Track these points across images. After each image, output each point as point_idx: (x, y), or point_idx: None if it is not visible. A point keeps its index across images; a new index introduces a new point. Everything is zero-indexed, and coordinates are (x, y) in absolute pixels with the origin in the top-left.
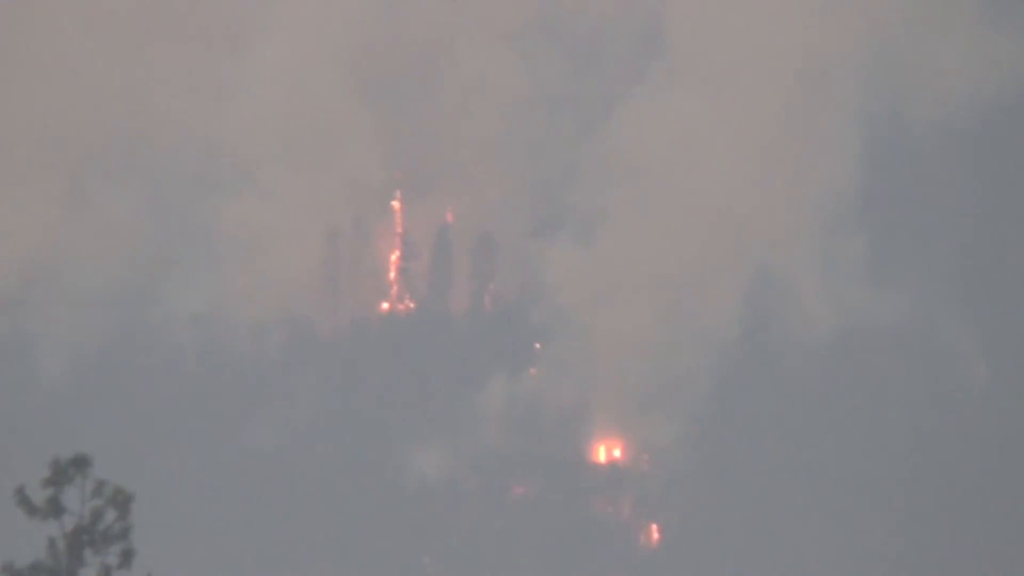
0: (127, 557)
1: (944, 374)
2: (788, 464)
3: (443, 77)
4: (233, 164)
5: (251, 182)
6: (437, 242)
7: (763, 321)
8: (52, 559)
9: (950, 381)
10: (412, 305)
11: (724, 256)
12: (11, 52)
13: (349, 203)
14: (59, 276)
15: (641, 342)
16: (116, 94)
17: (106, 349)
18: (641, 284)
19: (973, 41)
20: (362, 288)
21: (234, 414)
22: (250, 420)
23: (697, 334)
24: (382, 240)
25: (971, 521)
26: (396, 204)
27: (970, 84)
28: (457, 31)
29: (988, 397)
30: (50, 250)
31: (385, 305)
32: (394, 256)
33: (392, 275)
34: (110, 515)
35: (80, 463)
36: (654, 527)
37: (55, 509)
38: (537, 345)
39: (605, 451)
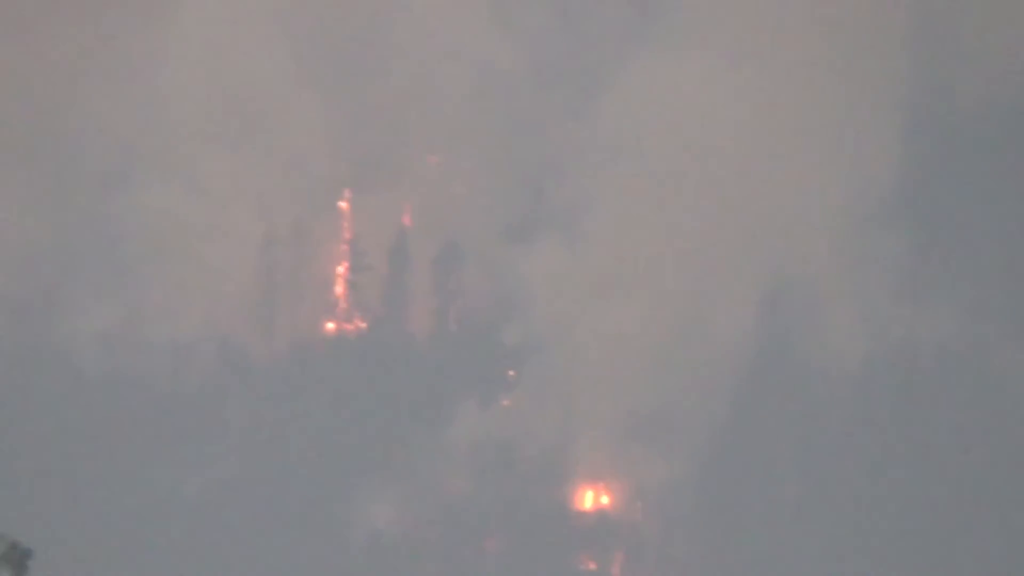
0: None
1: (999, 404)
2: (811, 513)
3: (402, 49)
4: (148, 156)
5: (170, 177)
6: (393, 250)
7: (782, 340)
8: None
9: (1007, 412)
10: (363, 325)
11: (736, 262)
12: None
13: (288, 203)
14: None
15: (635, 367)
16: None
17: None
18: (636, 298)
19: None
20: (304, 304)
21: (148, 454)
22: (167, 461)
23: (702, 357)
24: (327, 247)
25: None
26: (344, 204)
27: None
28: None
29: None
30: None
31: (331, 325)
32: (342, 267)
33: (339, 289)
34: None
35: None
36: None
37: None
38: (511, 372)
39: (591, 497)
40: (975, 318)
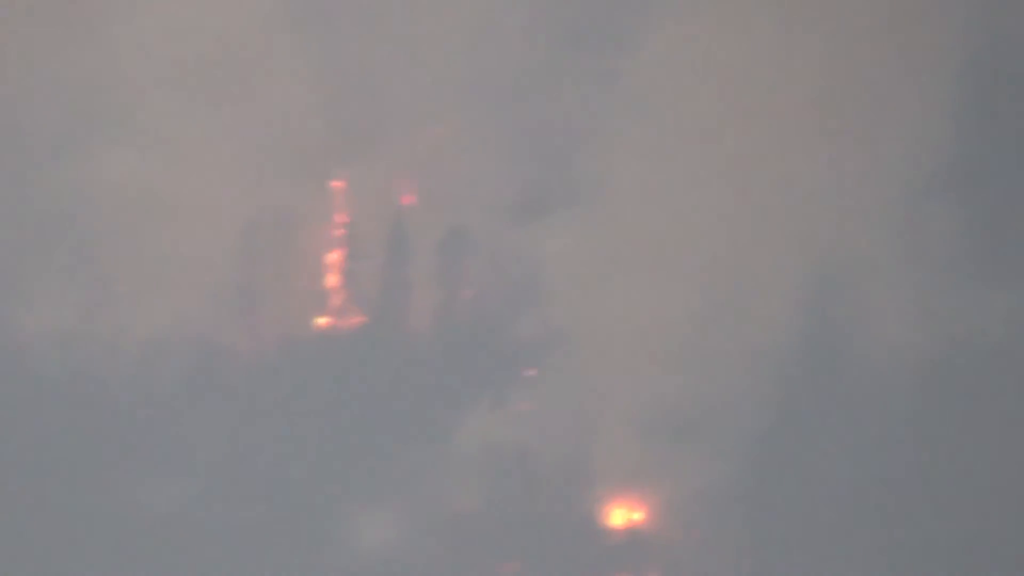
0: None
1: None
2: (866, 525)
3: (401, 3)
4: (107, 119)
5: (134, 145)
6: (392, 234)
7: (829, 332)
8: None
9: None
10: (359, 320)
11: (777, 242)
12: None
13: (272, 180)
14: None
15: (668, 362)
16: None
17: None
18: (668, 282)
19: None
20: (290, 297)
21: (113, 469)
22: (134, 477)
23: (741, 353)
24: (318, 232)
25: None
26: (337, 183)
27: None
28: None
29: None
30: None
31: (322, 320)
32: (334, 254)
33: (332, 279)
34: None
35: None
36: None
37: None
38: (528, 371)
39: (622, 512)
40: None
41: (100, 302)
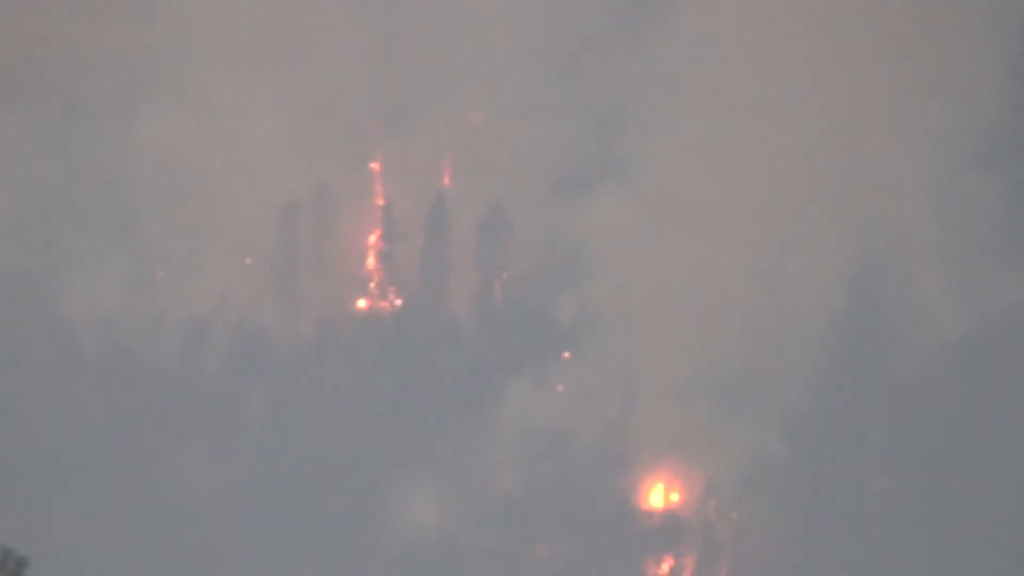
0: None
1: None
2: (907, 507)
3: None
4: (157, 90)
5: (181, 115)
6: (431, 215)
7: (871, 310)
8: None
9: None
10: (398, 302)
11: (819, 217)
12: None
13: (312, 163)
14: None
15: (706, 345)
16: None
17: None
18: (707, 264)
19: None
20: (331, 279)
21: (157, 449)
22: (178, 458)
23: (782, 334)
24: (357, 214)
25: None
26: (375, 165)
27: None
28: None
29: None
30: None
31: (362, 302)
32: (373, 236)
33: (371, 261)
34: None
35: None
36: None
37: None
38: (566, 353)
39: (659, 493)
40: None
41: (142, 284)
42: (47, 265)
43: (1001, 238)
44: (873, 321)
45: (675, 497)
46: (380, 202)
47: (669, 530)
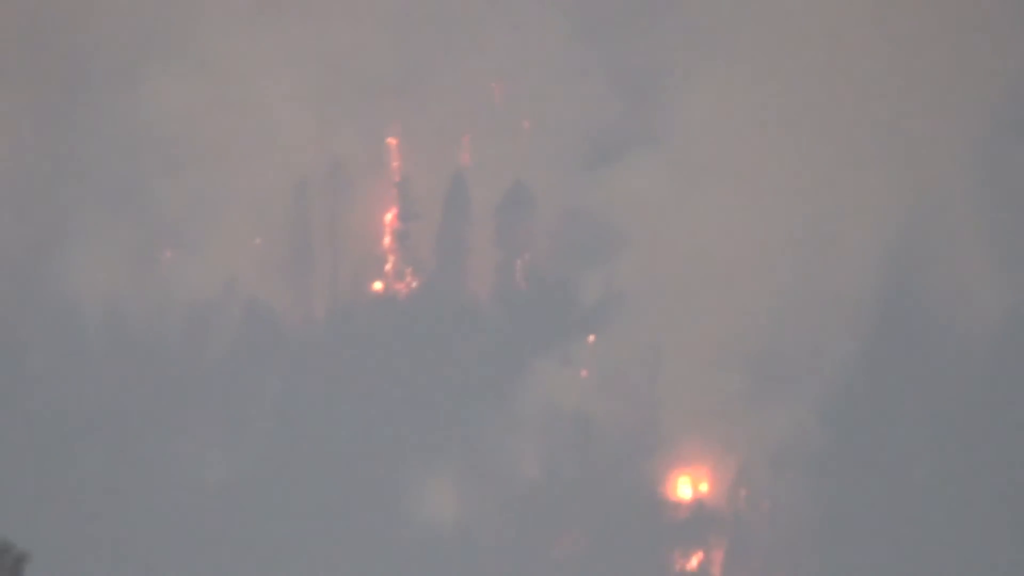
0: None
1: None
2: (950, 496)
3: None
4: (160, 53)
5: (188, 95)
6: (450, 194)
7: (909, 298)
8: None
9: None
10: (415, 284)
11: (859, 192)
12: None
13: (325, 136)
14: None
15: (736, 330)
16: None
17: None
18: (741, 237)
19: None
20: (345, 260)
21: (165, 437)
22: (187, 446)
23: (816, 319)
24: (372, 192)
25: None
26: (392, 140)
27: None
28: None
29: None
30: None
31: (378, 284)
32: (389, 215)
33: (387, 241)
34: None
35: None
36: None
37: None
38: (591, 337)
39: (687, 483)
40: None
41: (147, 264)
42: (46, 240)
43: None
44: (914, 295)
45: (704, 487)
46: (396, 178)
47: (698, 522)
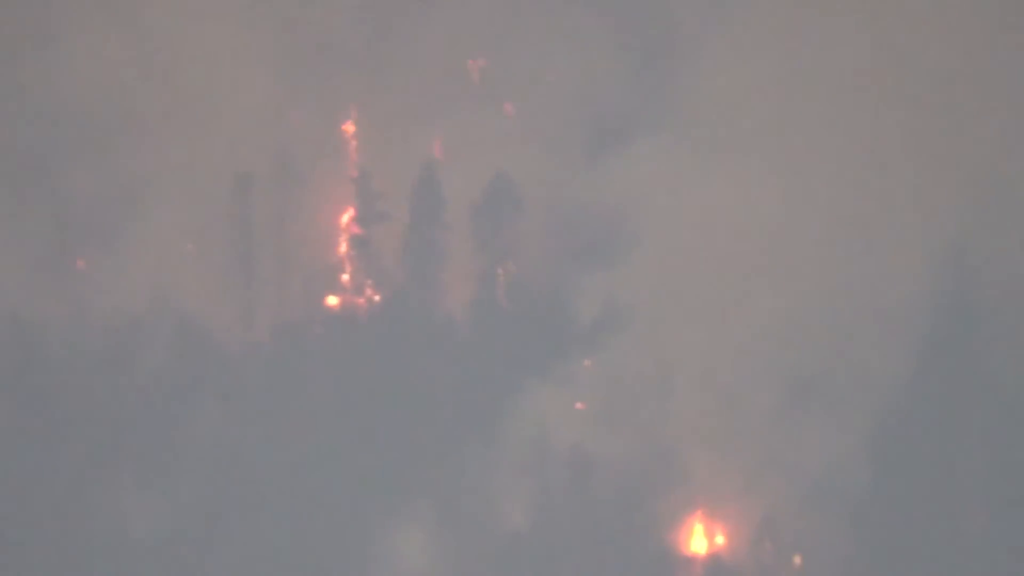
0: None
1: None
2: (1018, 554)
3: None
4: (84, 27)
5: (111, 64)
6: (418, 191)
7: (970, 307)
8: None
9: None
10: (377, 298)
11: (904, 185)
12: None
13: (268, 127)
14: None
15: (761, 348)
16: None
17: None
18: (762, 245)
19: None
20: (293, 270)
21: (82, 480)
22: (109, 490)
23: (857, 333)
24: (327, 189)
25: None
26: (349, 127)
27: None
28: None
29: None
30: None
31: (332, 299)
32: (346, 216)
33: (343, 248)
34: None
35: None
36: None
37: None
38: (586, 362)
39: (701, 534)
40: None
41: (61, 276)
42: None
43: None
44: (976, 304)
45: (720, 540)
46: (354, 173)
47: None
